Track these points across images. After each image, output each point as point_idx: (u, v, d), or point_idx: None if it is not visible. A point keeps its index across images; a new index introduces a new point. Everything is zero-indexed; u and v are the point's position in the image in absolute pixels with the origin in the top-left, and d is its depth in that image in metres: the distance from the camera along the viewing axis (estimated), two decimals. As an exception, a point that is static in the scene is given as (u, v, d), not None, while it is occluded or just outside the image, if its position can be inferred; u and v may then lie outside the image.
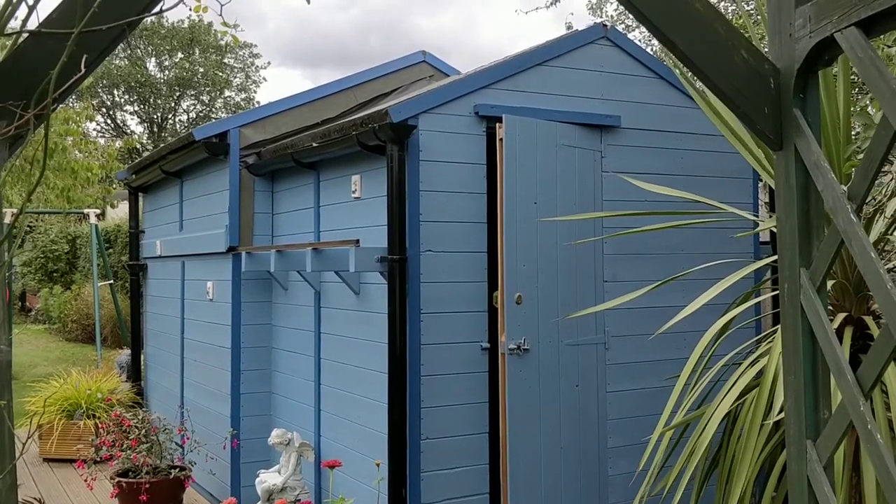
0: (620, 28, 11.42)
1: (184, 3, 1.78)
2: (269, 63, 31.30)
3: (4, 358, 1.79)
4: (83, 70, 1.67)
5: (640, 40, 10.70)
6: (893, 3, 1.54)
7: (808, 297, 1.83)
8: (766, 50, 2.04)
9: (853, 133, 3.97)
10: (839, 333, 3.55)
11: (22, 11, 1.77)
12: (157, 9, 1.78)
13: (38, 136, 1.83)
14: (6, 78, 1.76)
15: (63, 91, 1.72)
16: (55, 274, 19.58)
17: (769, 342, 3.88)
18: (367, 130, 4.83)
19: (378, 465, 4.78)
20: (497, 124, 4.84)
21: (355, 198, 5.33)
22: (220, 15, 1.88)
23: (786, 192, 1.92)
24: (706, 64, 1.93)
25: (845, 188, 1.71)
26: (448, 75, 7.22)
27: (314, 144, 5.47)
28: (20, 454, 1.70)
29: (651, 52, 7.48)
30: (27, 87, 1.76)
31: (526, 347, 4.78)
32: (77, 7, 1.74)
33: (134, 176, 8.60)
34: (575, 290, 5.10)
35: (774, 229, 4.35)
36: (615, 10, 14.29)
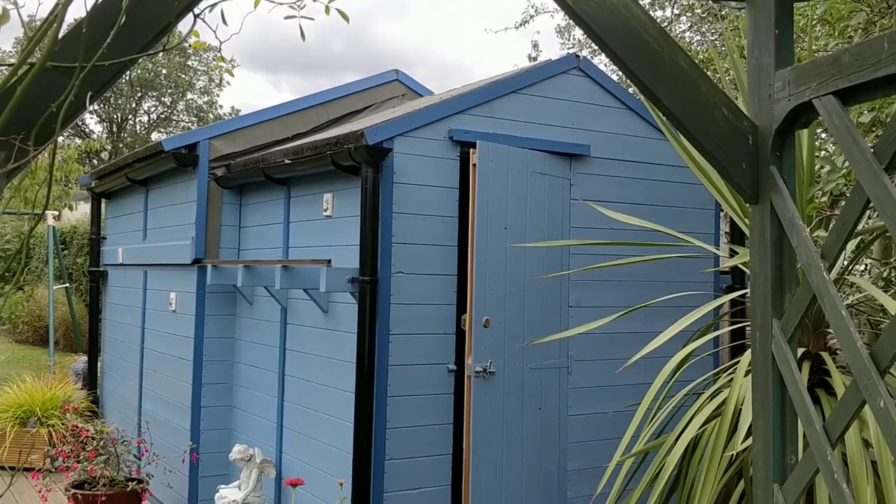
0: (586, 52, 11.59)
1: (185, 42, 1.81)
2: (233, 60, 30.90)
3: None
4: (87, 106, 1.69)
5: (606, 64, 10.88)
6: (870, 78, 1.63)
7: (780, 347, 1.92)
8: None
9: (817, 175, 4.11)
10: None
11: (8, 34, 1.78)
12: (159, 46, 1.80)
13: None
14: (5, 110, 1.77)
15: (63, 124, 1.74)
16: (7, 274, 19.15)
17: (730, 374, 4.00)
18: (341, 151, 4.85)
19: (341, 484, 4.79)
20: (471, 149, 4.90)
21: (327, 216, 5.35)
22: (220, 52, 1.91)
23: (760, 244, 2.00)
24: (688, 119, 2.02)
25: (818, 249, 1.80)
26: (420, 94, 7.29)
27: (287, 161, 5.47)
28: (6, 489, 1.70)
29: (617, 79, 7.63)
30: (26, 119, 1.77)
31: (492, 370, 4.84)
32: (81, 41, 1.76)
33: (97, 181, 8.49)
34: (541, 314, 5.18)
35: (741, 266, 4.48)
36: (582, 33, 14.47)
